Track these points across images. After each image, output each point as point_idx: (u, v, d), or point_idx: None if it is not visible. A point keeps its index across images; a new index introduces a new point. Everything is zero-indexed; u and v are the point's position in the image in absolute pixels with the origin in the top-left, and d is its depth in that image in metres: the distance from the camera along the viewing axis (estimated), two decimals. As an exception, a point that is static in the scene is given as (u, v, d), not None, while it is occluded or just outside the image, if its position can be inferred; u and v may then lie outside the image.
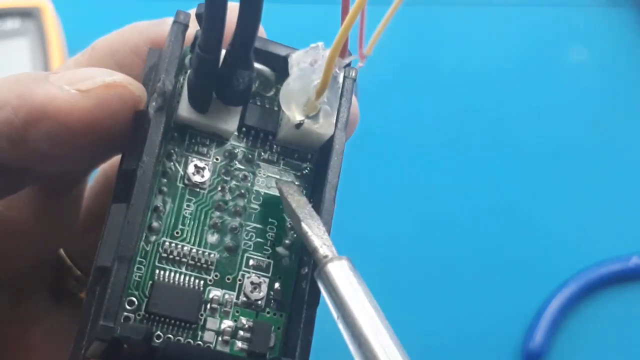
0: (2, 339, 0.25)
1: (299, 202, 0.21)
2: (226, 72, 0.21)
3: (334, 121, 0.21)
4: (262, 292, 0.21)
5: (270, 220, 0.22)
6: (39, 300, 0.27)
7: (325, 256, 0.19)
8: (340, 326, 0.18)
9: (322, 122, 0.21)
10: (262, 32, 0.23)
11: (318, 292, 0.20)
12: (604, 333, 0.50)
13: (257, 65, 0.22)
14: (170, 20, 0.23)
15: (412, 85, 0.56)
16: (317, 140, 0.22)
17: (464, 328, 0.49)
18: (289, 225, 0.22)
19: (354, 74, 0.22)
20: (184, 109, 0.21)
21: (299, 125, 0.21)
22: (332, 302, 0.18)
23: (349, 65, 0.22)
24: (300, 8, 0.56)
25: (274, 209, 0.22)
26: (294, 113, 0.21)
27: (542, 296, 0.50)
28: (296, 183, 0.22)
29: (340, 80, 0.22)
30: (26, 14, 0.50)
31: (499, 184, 0.53)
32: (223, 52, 0.21)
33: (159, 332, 0.20)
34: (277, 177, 0.22)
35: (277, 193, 0.22)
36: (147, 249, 0.21)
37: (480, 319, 0.50)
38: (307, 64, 0.21)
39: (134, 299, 0.20)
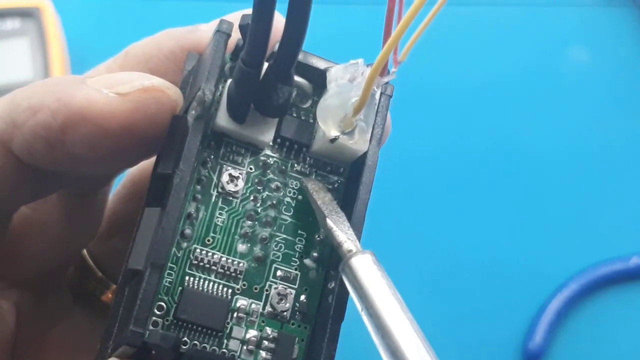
0: (23, 338, 0.26)
1: (324, 198, 0.21)
2: (266, 86, 0.21)
3: (369, 137, 0.22)
4: (289, 303, 0.21)
5: (299, 232, 0.22)
6: (61, 300, 0.27)
7: (350, 250, 0.19)
8: (364, 318, 0.18)
9: (357, 138, 0.21)
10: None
11: (344, 307, 0.21)
12: (604, 333, 0.50)
13: (295, 77, 0.22)
14: (203, 26, 0.23)
15: (411, 85, 0.56)
16: (351, 155, 0.22)
17: (464, 328, 0.49)
18: (318, 238, 0.22)
19: (390, 91, 0.22)
20: (222, 118, 0.21)
21: (333, 140, 0.21)
22: (356, 295, 0.19)
23: (387, 83, 0.22)
24: (336, 9, 0.56)
25: (303, 221, 0.22)
26: (329, 128, 0.21)
27: (542, 296, 0.50)
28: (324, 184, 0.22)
29: (377, 97, 0.22)
30: (26, 14, 0.50)
31: (499, 184, 0.53)
32: (265, 64, 0.21)
33: (185, 339, 0.20)
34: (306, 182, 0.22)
35: (307, 205, 0.22)
36: (179, 255, 0.21)
37: (480, 319, 0.50)
38: (345, 81, 0.21)
39: (163, 304, 0.20)
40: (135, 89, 0.21)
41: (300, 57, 0.22)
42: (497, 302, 0.50)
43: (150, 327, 0.20)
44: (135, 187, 0.27)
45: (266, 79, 0.21)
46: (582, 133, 0.56)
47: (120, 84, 0.21)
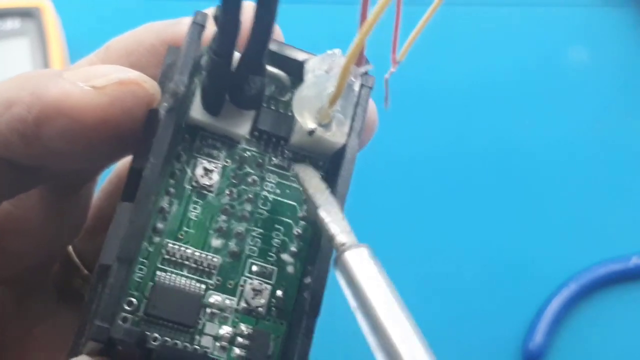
0: (7, 336, 0.25)
1: (316, 187, 0.20)
2: (238, 77, 0.20)
3: (347, 130, 0.21)
4: (264, 299, 0.21)
5: (276, 226, 0.22)
6: (45, 298, 0.27)
7: (344, 244, 0.18)
8: (358, 317, 0.17)
9: (335, 130, 0.21)
10: (279, 35, 0.23)
11: (319, 302, 0.20)
12: (604, 333, 0.50)
13: (272, 69, 0.22)
14: (186, 20, 0.23)
15: (411, 85, 0.56)
16: (330, 148, 0.22)
17: (464, 328, 0.49)
18: (296, 233, 0.22)
19: (370, 83, 0.22)
20: (196, 111, 0.21)
21: (311, 132, 0.21)
22: (350, 291, 0.17)
23: (365, 73, 0.21)
24: (319, 8, 0.56)
25: (281, 215, 0.22)
26: (306, 120, 0.21)
27: (542, 296, 0.50)
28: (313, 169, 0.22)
29: (357, 88, 0.21)
30: (26, 14, 0.50)
31: (498, 184, 0.53)
32: (239, 55, 0.20)
33: (156, 335, 0.20)
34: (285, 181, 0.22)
35: (285, 199, 0.22)
36: (150, 250, 0.21)
37: (480, 319, 0.50)
38: (322, 71, 0.20)
39: (133, 299, 0.20)
40: (111, 82, 0.20)
41: (278, 48, 0.22)
42: (497, 302, 0.50)
43: (119, 323, 0.19)
44: (121, 183, 0.26)
45: (238, 70, 0.20)
46: (582, 133, 0.55)
47: (96, 77, 0.20)
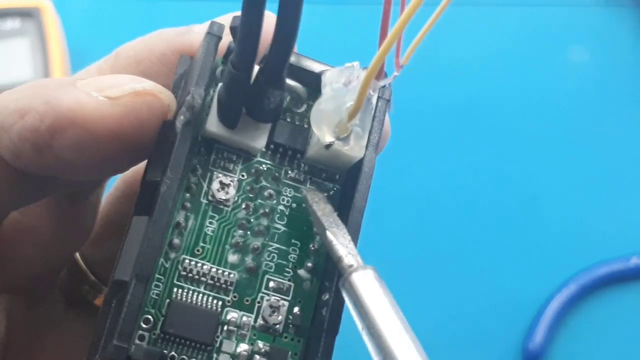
0: (16, 344, 0.25)
1: (324, 210, 0.20)
2: (257, 90, 0.20)
3: (365, 143, 0.21)
4: (281, 315, 0.20)
5: (293, 241, 0.21)
6: (53, 305, 0.27)
7: (351, 265, 0.18)
8: (365, 338, 0.17)
9: (353, 144, 0.21)
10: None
11: (338, 320, 0.20)
12: (604, 333, 0.50)
13: (288, 81, 0.21)
14: (197, 27, 0.22)
15: (411, 85, 0.56)
16: (347, 161, 0.21)
17: (464, 328, 0.49)
18: (312, 248, 0.21)
19: (387, 95, 0.21)
20: (213, 124, 0.21)
21: (328, 146, 0.20)
22: (357, 313, 0.18)
23: (383, 86, 0.21)
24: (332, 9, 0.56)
25: (297, 230, 0.21)
26: (324, 134, 0.20)
27: (542, 296, 0.50)
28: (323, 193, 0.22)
29: (374, 101, 0.21)
30: (26, 14, 0.50)
31: (499, 184, 0.53)
32: (256, 68, 0.20)
33: (173, 353, 0.20)
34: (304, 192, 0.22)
35: (301, 213, 0.21)
36: (167, 265, 0.20)
37: (480, 319, 0.50)
38: (340, 84, 0.20)
39: (150, 317, 0.20)
40: (126, 92, 0.20)
41: (295, 60, 0.21)
42: (497, 302, 0.50)
43: (137, 342, 0.19)
44: (128, 189, 0.26)
45: (257, 83, 0.20)
46: (582, 133, 0.55)
47: (111, 87, 0.20)
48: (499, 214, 0.53)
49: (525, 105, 0.56)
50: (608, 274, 0.51)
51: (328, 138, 0.20)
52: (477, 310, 0.50)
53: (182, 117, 0.20)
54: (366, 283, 0.18)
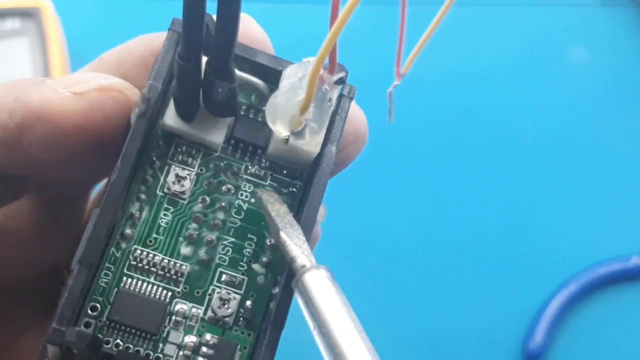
0: None
1: (279, 210, 0.20)
2: (207, 82, 0.20)
3: (320, 139, 0.21)
4: (231, 309, 0.21)
5: (249, 236, 0.21)
6: (34, 307, 0.27)
7: (303, 266, 0.18)
8: (317, 338, 0.17)
9: (308, 139, 0.21)
10: (268, 46, 0.23)
11: (284, 314, 0.20)
12: (604, 333, 0.50)
13: (250, 77, 0.22)
14: None
15: (411, 85, 0.56)
16: (305, 157, 0.21)
17: (464, 328, 0.49)
18: (269, 243, 0.21)
19: (352, 93, 0.21)
20: (170, 117, 0.21)
21: (284, 140, 0.20)
22: (309, 313, 0.18)
23: (342, 82, 0.21)
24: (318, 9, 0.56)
25: (255, 225, 0.21)
26: (278, 128, 0.20)
27: (542, 296, 0.50)
28: (277, 193, 0.22)
29: (334, 97, 0.21)
30: (26, 14, 0.50)
31: (498, 184, 0.53)
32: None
33: (118, 341, 0.20)
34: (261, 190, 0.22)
35: (259, 208, 0.21)
36: (117, 255, 0.20)
37: (480, 319, 0.50)
38: (297, 79, 0.20)
39: (97, 304, 0.20)
40: (91, 88, 0.20)
41: (260, 58, 0.21)
42: (497, 302, 0.50)
43: (82, 328, 0.19)
44: None
45: (207, 76, 0.20)
46: (582, 133, 0.55)
47: (77, 84, 0.20)
48: (498, 214, 0.53)
49: (525, 105, 0.56)
50: (608, 274, 0.51)
51: (282, 132, 0.20)
52: (477, 310, 0.50)
53: (136, 110, 0.20)
54: (318, 283, 0.18)
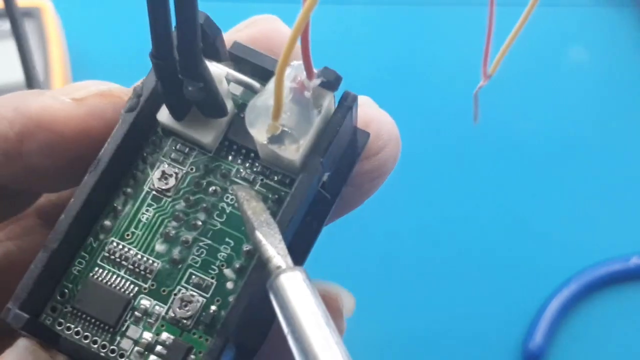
0: None
1: (255, 208, 0.20)
2: (181, 81, 0.20)
3: (301, 147, 0.20)
4: (191, 311, 0.20)
5: (227, 240, 0.21)
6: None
7: (278, 267, 0.18)
8: (290, 342, 0.17)
9: (286, 145, 0.20)
10: (271, 46, 0.22)
11: (232, 324, 0.19)
12: (604, 333, 0.50)
13: (247, 80, 0.21)
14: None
15: (410, 85, 0.56)
16: (288, 164, 0.21)
17: (464, 328, 0.49)
18: (245, 249, 0.21)
19: (350, 101, 0.21)
20: (163, 115, 0.21)
21: (263, 146, 0.20)
22: (283, 316, 0.17)
23: (333, 88, 0.20)
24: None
25: (235, 229, 0.21)
26: (255, 132, 0.20)
27: (542, 296, 0.50)
28: (254, 189, 0.21)
29: (325, 104, 0.20)
30: (26, 14, 0.50)
31: (498, 184, 0.53)
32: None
33: (79, 329, 0.20)
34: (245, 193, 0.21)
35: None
36: (94, 245, 0.21)
37: (480, 319, 0.50)
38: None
39: (66, 290, 0.20)
40: (90, 93, 0.20)
41: (254, 59, 0.21)
42: (497, 302, 0.50)
43: (48, 312, 0.20)
44: None
45: (181, 74, 0.20)
46: (582, 133, 0.55)
47: (77, 91, 0.20)
48: (498, 214, 0.53)
49: (524, 106, 0.56)
50: (608, 274, 0.51)
51: (259, 136, 0.20)
52: (477, 310, 0.50)
53: (127, 104, 0.20)
54: (294, 285, 0.17)
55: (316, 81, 0.20)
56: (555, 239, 0.52)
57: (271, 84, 0.20)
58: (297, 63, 0.20)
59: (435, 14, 0.58)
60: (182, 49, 0.19)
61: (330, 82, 0.20)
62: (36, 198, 0.23)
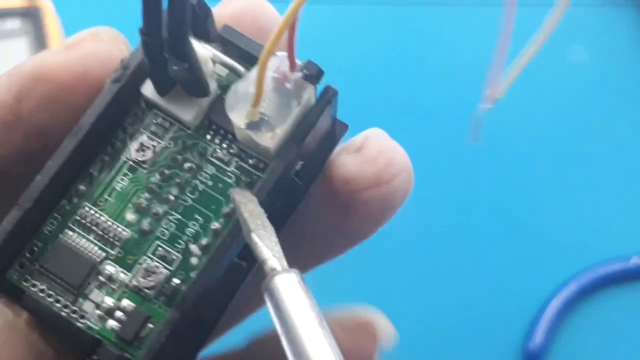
0: None
1: (252, 212, 0.20)
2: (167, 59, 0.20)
3: (277, 136, 0.21)
4: (154, 282, 0.21)
5: (196, 216, 0.22)
6: None
7: (273, 269, 0.18)
8: (284, 342, 0.17)
9: (263, 133, 0.21)
10: (254, 21, 0.23)
11: (190, 299, 0.20)
12: (604, 333, 0.50)
13: (233, 63, 0.22)
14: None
15: (410, 85, 0.56)
16: (263, 150, 0.21)
17: (464, 328, 0.49)
18: (213, 227, 0.21)
19: (330, 95, 0.21)
20: (148, 88, 0.21)
21: (241, 130, 0.21)
22: (277, 317, 0.17)
23: (315, 81, 0.20)
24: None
25: (205, 207, 0.22)
26: (234, 116, 0.20)
27: (542, 296, 0.50)
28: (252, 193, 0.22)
29: (305, 96, 0.21)
30: (26, 14, 0.50)
31: (498, 184, 0.53)
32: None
33: (44, 287, 0.21)
34: (225, 178, 0.22)
35: (215, 192, 0.22)
36: (67, 208, 0.21)
37: (480, 319, 0.50)
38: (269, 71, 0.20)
39: (35, 249, 0.21)
40: (81, 38, 0.20)
41: (242, 43, 0.22)
42: (497, 302, 0.50)
43: (16, 267, 0.21)
44: None
45: (168, 52, 0.20)
46: (582, 133, 0.55)
47: (69, 41, 0.20)
48: (498, 214, 0.53)
49: (524, 106, 0.56)
50: (608, 274, 0.51)
51: (237, 121, 0.20)
52: (477, 310, 0.50)
53: (113, 75, 0.20)
54: (288, 286, 0.18)
55: (298, 74, 0.20)
56: (555, 239, 0.52)
57: (254, 71, 0.20)
58: (282, 54, 0.20)
59: (428, 14, 0.58)
60: (171, 28, 0.19)
61: (312, 75, 0.20)
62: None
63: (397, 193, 0.23)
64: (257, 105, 0.20)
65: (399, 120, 0.54)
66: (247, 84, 0.20)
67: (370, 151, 0.22)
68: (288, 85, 0.20)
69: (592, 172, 0.54)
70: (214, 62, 0.22)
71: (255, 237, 0.19)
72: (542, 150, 0.55)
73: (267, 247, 0.19)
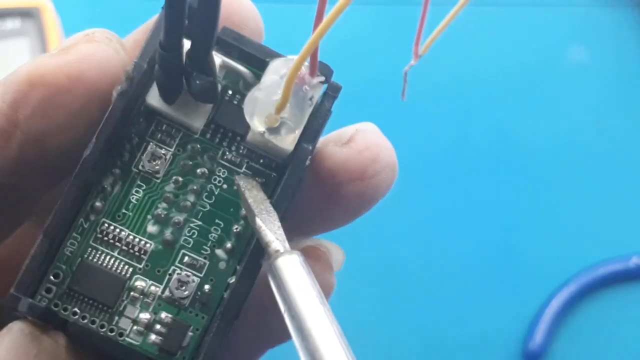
0: None
1: (256, 197, 0.20)
2: (188, 71, 0.20)
3: (294, 137, 0.21)
4: (188, 291, 0.21)
5: (217, 221, 0.22)
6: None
7: (277, 250, 0.19)
8: (286, 320, 0.18)
9: (283, 136, 0.21)
10: (259, 33, 0.23)
11: (237, 305, 0.20)
12: (604, 333, 0.50)
13: (236, 65, 0.22)
14: None
15: (410, 84, 0.56)
16: (280, 152, 0.22)
17: (464, 328, 0.49)
18: (235, 230, 0.22)
19: (335, 91, 0.22)
20: (154, 97, 0.21)
21: (260, 134, 0.21)
22: (280, 295, 0.18)
23: (326, 82, 0.21)
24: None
25: (224, 211, 0.22)
26: (255, 123, 0.21)
27: (542, 296, 0.50)
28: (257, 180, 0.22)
29: (315, 96, 0.21)
30: (26, 14, 0.50)
31: (498, 184, 0.53)
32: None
33: (76, 309, 0.20)
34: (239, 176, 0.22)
35: (231, 195, 0.22)
36: (85, 226, 0.21)
37: (480, 319, 0.50)
38: (278, 76, 0.20)
39: (60, 272, 0.20)
40: (76, 41, 0.20)
41: (248, 46, 0.22)
42: (497, 302, 0.50)
43: (43, 293, 0.20)
44: None
45: (188, 65, 0.20)
46: (582, 133, 0.55)
47: (64, 44, 0.20)
48: (498, 214, 0.53)
49: (525, 105, 0.56)
50: (608, 274, 0.51)
51: (258, 127, 0.21)
52: (477, 310, 0.50)
53: (119, 87, 0.20)
54: (291, 267, 0.19)
55: (318, 78, 0.21)
56: (555, 239, 0.52)
57: (268, 76, 0.20)
58: (292, 57, 0.20)
59: (434, 15, 0.58)
60: (197, 43, 0.20)
61: (328, 78, 0.21)
62: (36, 199, 0.23)
63: (379, 189, 0.23)
64: (281, 111, 0.20)
65: (399, 120, 0.54)
66: (266, 91, 0.20)
67: (357, 145, 0.22)
68: (306, 88, 0.20)
69: (592, 173, 0.54)
70: (222, 68, 0.22)
71: (259, 221, 0.20)
72: (542, 150, 0.55)
73: (271, 231, 0.19)
